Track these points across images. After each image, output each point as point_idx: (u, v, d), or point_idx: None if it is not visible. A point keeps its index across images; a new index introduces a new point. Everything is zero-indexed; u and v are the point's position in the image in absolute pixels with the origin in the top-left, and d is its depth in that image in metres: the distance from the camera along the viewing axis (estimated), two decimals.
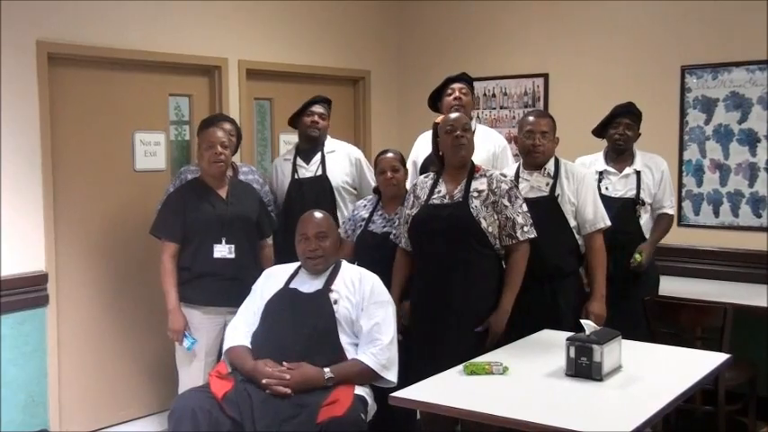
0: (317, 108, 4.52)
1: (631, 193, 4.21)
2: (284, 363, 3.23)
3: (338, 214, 4.41)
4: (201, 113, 4.82)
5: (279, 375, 3.19)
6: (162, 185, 4.51)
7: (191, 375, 3.90)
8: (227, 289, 3.85)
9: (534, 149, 3.78)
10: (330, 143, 4.63)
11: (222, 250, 3.89)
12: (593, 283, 3.75)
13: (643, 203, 4.22)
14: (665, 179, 4.30)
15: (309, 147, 4.57)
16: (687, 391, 2.84)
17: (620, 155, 4.28)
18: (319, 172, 4.50)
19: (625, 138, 4.23)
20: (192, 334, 3.89)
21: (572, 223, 3.76)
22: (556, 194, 3.75)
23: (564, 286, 3.74)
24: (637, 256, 4.14)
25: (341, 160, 4.52)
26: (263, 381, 3.18)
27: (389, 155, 4.01)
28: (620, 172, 4.26)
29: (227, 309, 3.82)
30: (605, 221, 3.80)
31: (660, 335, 4.01)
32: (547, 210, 3.71)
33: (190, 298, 3.91)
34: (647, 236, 4.25)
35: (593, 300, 3.73)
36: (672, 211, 4.36)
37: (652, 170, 4.28)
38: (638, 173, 4.24)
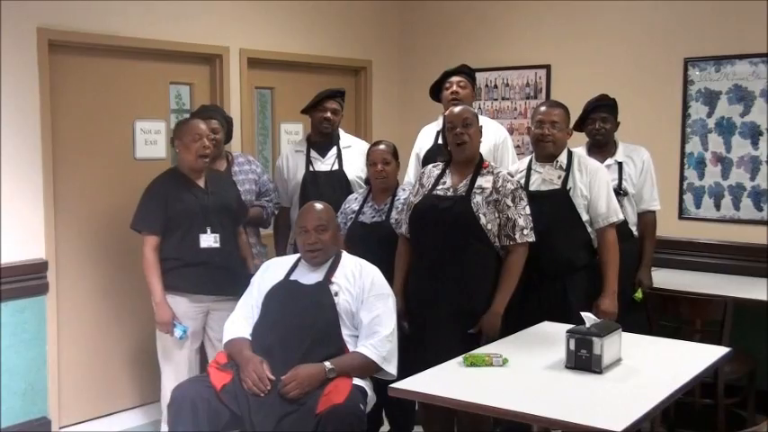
0: (331, 104, 4.44)
1: (613, 184, 4.14)
2: (281, 376, 3.18)
3: None
4: (202, 102, 4.81)
5: (261, 376, 3.16)
6: None
7: (177, 364, 3.92)
8: (214, 277, 3.89)
9: (543, 138, 3.74)
10: (345, 138, 4.60)
11: (208, 240, 3.90)
12: (605, 279, 3.67)
13: (625, 193, 4.18)
14: (646, 169, 4.27)
15: (323, 141, 4.51)
16: (687, 385, 2.84)
17: (602, 147, 4.26)
18: (335, 167, 4.46)
19: (603, 131, 4.22)
20: (180, 322, 3.90)
21: (584, 217, 3.71)
22: (568, 188, 3.71)
23: (575, 281, 3.69)
24: (638, 294, 4.19)
25: (357, 156, 4.45)
26: (246, 387, 3.15)
27: (381, 147, 4.00)
28: (602, 163, 4.24)
29: (213, 297, 3.89)
30: (618, 215, 3.75)
31: (660, 327, 4.01)
32: (559, 203, 3.68)
33: (177, 286, 3.90)
34: (631, 226, 4.21)
35: (603, 296, 3.66)
36: (655, 205, 4.31)
37: (634, 160, 4.26)
38: (619, 164, 4.22)
